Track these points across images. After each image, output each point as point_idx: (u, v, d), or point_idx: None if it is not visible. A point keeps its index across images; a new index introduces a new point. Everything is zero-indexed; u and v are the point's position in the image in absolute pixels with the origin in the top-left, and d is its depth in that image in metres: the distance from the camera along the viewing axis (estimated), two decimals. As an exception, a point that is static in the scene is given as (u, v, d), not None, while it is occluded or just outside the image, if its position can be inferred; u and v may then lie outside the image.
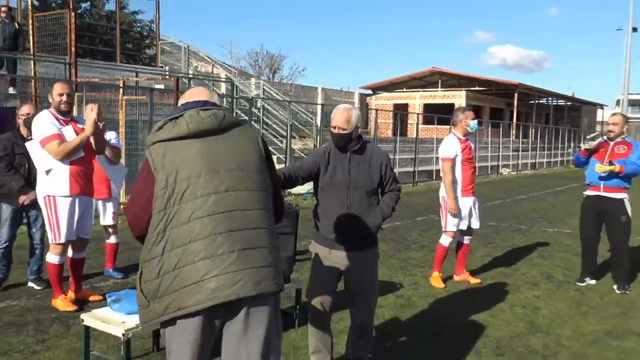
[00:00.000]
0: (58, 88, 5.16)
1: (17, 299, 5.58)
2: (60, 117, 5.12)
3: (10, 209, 5.73)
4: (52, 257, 5.21)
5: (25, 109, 5.82)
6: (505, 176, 27.27)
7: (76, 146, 5.00)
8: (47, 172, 5.02)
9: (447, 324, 5.28)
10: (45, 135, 4.94)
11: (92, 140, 5.17)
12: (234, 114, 16.31)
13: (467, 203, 6.50)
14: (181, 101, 2.69)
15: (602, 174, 6.35)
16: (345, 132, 3.72)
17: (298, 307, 5.03)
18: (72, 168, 5.04)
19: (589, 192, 6.67)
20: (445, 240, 6.64)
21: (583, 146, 6.59)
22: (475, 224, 6.66)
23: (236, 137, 2.55)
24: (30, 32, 14.95)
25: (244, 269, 2.35)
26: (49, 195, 5.04)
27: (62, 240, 5.12)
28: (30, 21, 14.90)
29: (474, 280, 6.73)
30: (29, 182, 5.67)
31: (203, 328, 2.35)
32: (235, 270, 2.34)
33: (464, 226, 6.53)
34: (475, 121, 6.59)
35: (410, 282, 6.70)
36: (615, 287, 6.57)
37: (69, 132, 5.08)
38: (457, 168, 6.43)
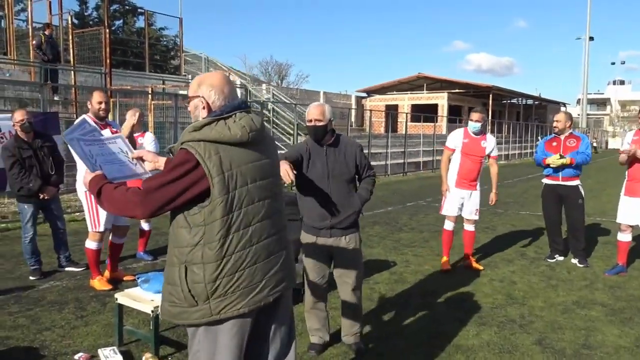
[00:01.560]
0: (97, 97, 5.05)
1: (59, 280, 5.49)
2: (98, 121, 5.01)
3: (31, 207, 5.59)
4: (90, 244, 5.13)
5: (19, 116, 5.51)
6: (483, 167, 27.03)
7: None
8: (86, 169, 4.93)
9: (434, 297, 5.17)
10: None
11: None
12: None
13: (459, 194, 6.07)
14: (213, 91, 2.19)
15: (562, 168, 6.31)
16: (321, 123, 3.55)
17: (305, 284, 4.92)
18: None
19: (547, 181, 6.59)
20: (446, 224, 6.29)
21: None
22: (468, 215, 6.16)
23: (268, 142, 2.32)
24: (71, 46, 14.83)
25: (285, 267, 2.28)
26: (87, 191, 4.93)
27: (101, 229, 5.07)
28: (71, 37, 14.76)
29: (475, 266, 6.23)
30: (47, 180, 5.56)
31: (252, 324, 2.21)
32: (282, 270, 2.25)
33: (453, 212, 6.13)
34: (474, 124, 5.99)
35: (402, 260, 6.59)
36: (576, 261, 6.48)
37: (106, 134, 4.97)
38: (456, 158, 6.10)
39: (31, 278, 5.50)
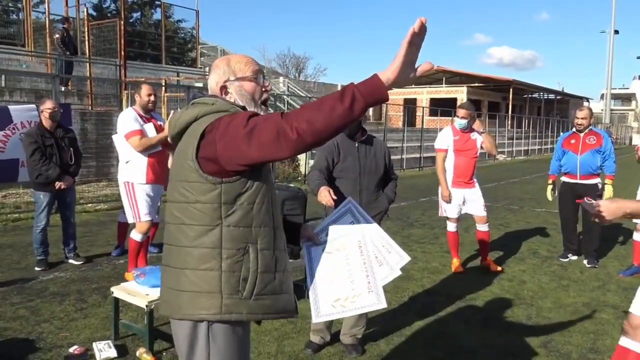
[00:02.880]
0: (146, 90, 5.04)
1: (64, 272, 5.51)
2: (143, 114, 5.00)
3: (47, 196, 5.61)
4: (136, 235, 5.08)
5: (49, 104, 5.61)
6: (501, 162, 26.71)
7: (156, 143, 4.92)
8: (127, 162, 4.96)
9: (440, 296, 5.07)
10: (129, 130, 4.86)
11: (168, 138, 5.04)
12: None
13: (457, 194, 5.80)
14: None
15: (580, 166, 6.17)
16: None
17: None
18: (150, 159, 4.94)
19: (565, 179, 6.40)
20: (448, 226, 6.07)
21: None
22: (475, 211, 5.89)
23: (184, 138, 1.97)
24: (87, 38, 14.92)
25: None
26: (128, 182, 4.96)
27: (145, 219, 5.01)
28: (86, 29, 14.85)
29: (493, 267, 5.96)
30: (66, 170, 5.61)
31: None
32: None
33: (453, 214, 5.88)
34: (461, 120, 5.72)
35: (411, 257, 6.46)
36: (585, 262, 6.31)
37: (150, 128, 4.99)
38: (449, 158, 5.84)
39: (36, 269, 5.52)
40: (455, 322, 4.37)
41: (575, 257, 6.52)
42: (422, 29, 1.50)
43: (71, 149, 5.75)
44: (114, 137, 5.18)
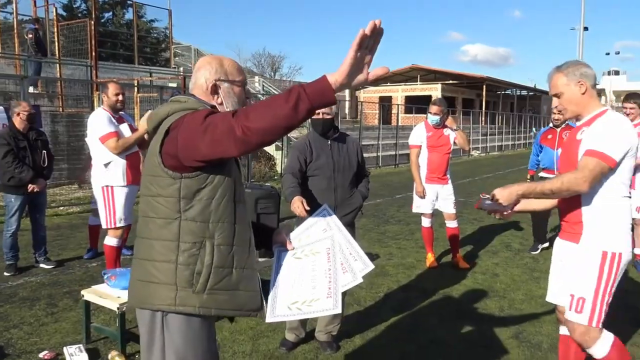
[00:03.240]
0: (114, 88, 4.83)
1: (34, 276, 5.40)
2: (113, 114, 4.80)
3: (19, 199, 5.49)
4: (110, 240, 4.93)
5: (26, 106, 5.54)
6: (475, 157, 27.03)
7: (133, 142, 4.75)
8: (106, 165, 4.74)
9: (414, 291, 5.11)
10: (104, 132, 4.65)
11: (145, 137, 4.93)
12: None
13: (430, 189, 5.83)
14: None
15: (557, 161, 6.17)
16: (329, 117, 3.59)
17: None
18: (128, 161, 4.79)
19: (544, 174, 6.45)
20: (423, 222, 6.09)
21: None
22: (445, 208, 5.93)
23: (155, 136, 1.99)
24: (56, 38, 14.66)
25: None
26: (107, 186, 4.77)
27: (120, 224, 4.86)
28: (56, 29, 14.59)
29: (462, 264, 5.93)
30: (39, 173, 5.50)
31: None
32: None
33: (427, 210, 5.91)
34: (433, 116, 5.76)
35: (386, 253, 6.53)
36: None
37: (125, 129, 4.81)
38: (423, 154, 5.86)
39: (6, 274, 5.40)
40: (430, 316, 4.42)
41: (546, 245, 6.61)
42: (375, 32, 1.48)
43: (44, 151, 5.64)
44: (87, 140, 4.98)
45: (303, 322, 3.80)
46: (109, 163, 4.76)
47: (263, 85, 21.39)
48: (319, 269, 2.04)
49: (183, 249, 1.81)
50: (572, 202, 2.68)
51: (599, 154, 2.51)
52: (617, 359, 2.66)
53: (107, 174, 4.78)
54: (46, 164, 5.65)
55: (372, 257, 6.28)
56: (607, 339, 2.67)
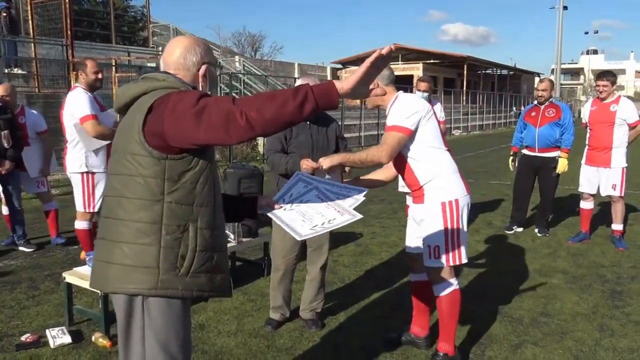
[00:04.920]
0: (93, 66, 4.59)
1: (14, 259, 5.32)
2: (92, 94, 4.60)
3: None
4: (81, 224, 4.84)
5: (2, 90, 5.37)
6: (457, 137, 27.22)
7: (109, 135, 4.45)
8: (94, 149, 4.62)
9: (398, 268, 5.14)
10: (85, 113, 4.44)
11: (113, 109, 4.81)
12: (219, 89, 15.82)
13: None
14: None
15: (539, 139, 6.22)
16: None
17: (266, 258, 4.85)
18: (108, 147, 4.62)
19: (525, 152, 6.51)
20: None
21: None
22: None
23: (130, 112, 1.91)
24: (30, 17, 14.27)
25: None
26: (87, 172, 4.65)
27: (96, 210, 4.75)
28: (29, 7, 14.20)
29: None
30: (2, 154, 5.31)
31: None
32: None
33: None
34: (422, 94, 5.77)
35: (369, 232, 6.56)
36: (536, 230, 6.52)
37: (107, 117, 4.65)
38: None
39: (-16, 258, 5.32)
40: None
41: (520, 229, 6.67)
42: (389, 54, 1.58)
43: (6, 131, 5.36)
44: (72, 123, 4.67)
45: (287, 301, 3.81)
46: (98, 148, 4.63)
47: (244, 65, 21.15)
48: (318, 208, 2.14)
49: (166, 232, 1.77)
50: (408, 173, 3.07)
51: (393, 127, 2.93)
52: (449, 302, 3.11)
53: (90, 160, 4.66)
54: (10, 144, 5.37)
55: (356, 235, 6.31)
56: (453, 285, 3.13)
